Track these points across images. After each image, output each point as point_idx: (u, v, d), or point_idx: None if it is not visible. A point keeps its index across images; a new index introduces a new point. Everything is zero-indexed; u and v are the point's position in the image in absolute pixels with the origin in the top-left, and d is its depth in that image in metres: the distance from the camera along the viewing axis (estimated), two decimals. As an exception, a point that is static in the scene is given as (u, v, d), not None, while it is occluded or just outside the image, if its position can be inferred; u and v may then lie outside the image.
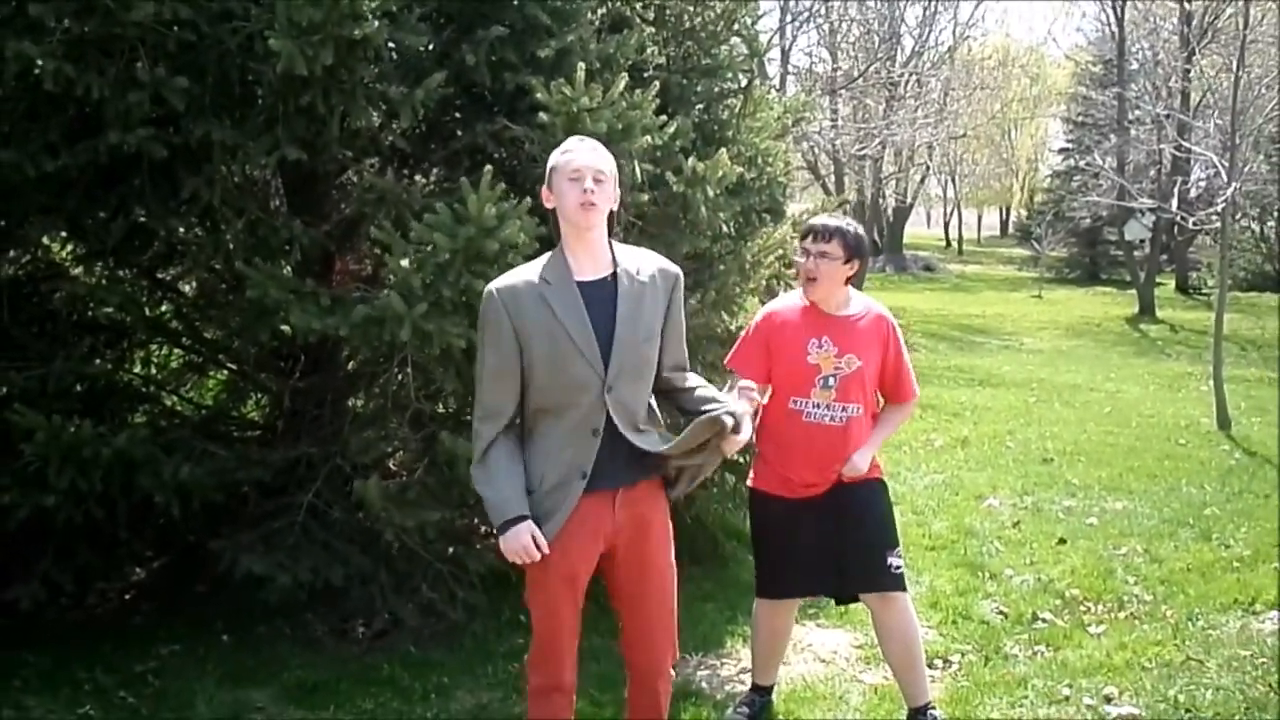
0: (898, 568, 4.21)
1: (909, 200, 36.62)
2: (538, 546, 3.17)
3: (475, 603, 5.08)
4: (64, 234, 5.24)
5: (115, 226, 4.86)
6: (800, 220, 6.27)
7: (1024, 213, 44.92)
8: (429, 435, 4.85)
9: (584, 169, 3.17)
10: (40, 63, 4.12)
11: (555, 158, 3.26)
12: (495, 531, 3.25)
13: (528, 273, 3.26)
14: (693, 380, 3.47)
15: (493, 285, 3.25)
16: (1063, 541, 6.90)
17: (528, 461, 3.26)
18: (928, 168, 35.30)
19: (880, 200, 30.91)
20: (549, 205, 3.28)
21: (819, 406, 4.10)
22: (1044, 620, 5.53)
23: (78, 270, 5.41)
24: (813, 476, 4.16)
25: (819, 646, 5.12)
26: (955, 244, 49.64)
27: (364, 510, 4.75)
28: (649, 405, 3.37)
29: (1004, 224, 57.60)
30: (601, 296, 3.22)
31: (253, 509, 5.09)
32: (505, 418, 3.24)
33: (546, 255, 3.29)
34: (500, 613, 5.30)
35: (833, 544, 4.17)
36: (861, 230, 4.19)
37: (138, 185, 4.64)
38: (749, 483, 4.37)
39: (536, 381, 3.20)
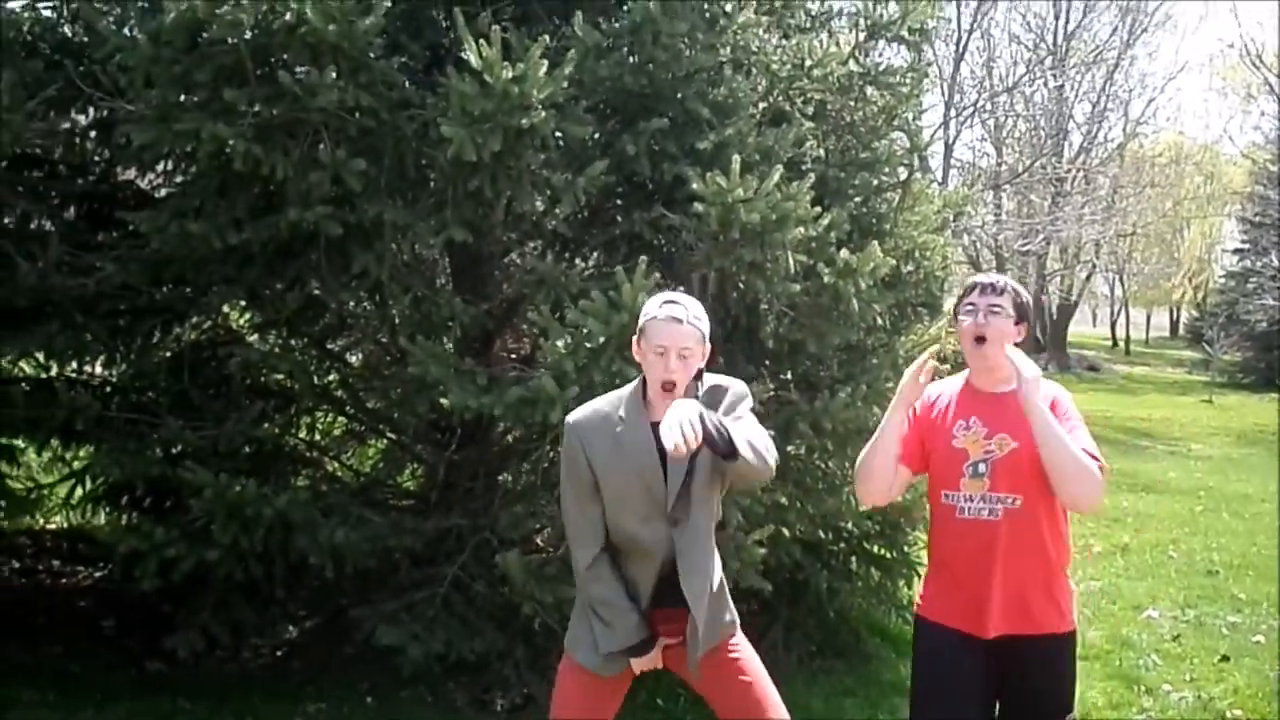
0: None
1: (1074, 298, 35.81)
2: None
3: (610, 683, 5.10)
4: (243, 303, 5.54)
5: (290, 298, 5.12)
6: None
7: (1195, 314, 43.40)
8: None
9: (669, 349, 3.20)
10: (231, 143, 4.40)
11: (645, 318, 3.27)
12: (621, 649, 3.34)
13: (604, 407, 3.33)
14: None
15: (570, 418, 3.35)
16: (1226, 659, 6.57)
17: None
18: (1094, 265, 34.48)
19: (1043, 297, 30.28)
20: (636, 358, 3.33)
21: (971, 500, 3.38)
22: (1202, 741, 5.28)
23: (253, 338, 5.71)
24: (967, 591, 3.42)
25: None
26: (1122, 344, 48.21)
27: (507, 584, 4.83)
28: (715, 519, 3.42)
29: (1174, 325, 55.73)
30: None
31: (402, 577, 5.23)
32: (597, 541, 3.32)
33: (629, 389, 3.35)
34: (636, 695, 5.30)
35: (990, 700, 3.47)
36: (1029, 300, 3.57)
37: (314, 260, 4.89)
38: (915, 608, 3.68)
39: (608, 510, 3.29)
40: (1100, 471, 3.29)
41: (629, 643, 3.32)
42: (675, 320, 3.20)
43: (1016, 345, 3.46)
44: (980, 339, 3.42)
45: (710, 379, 3.37)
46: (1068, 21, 24.83)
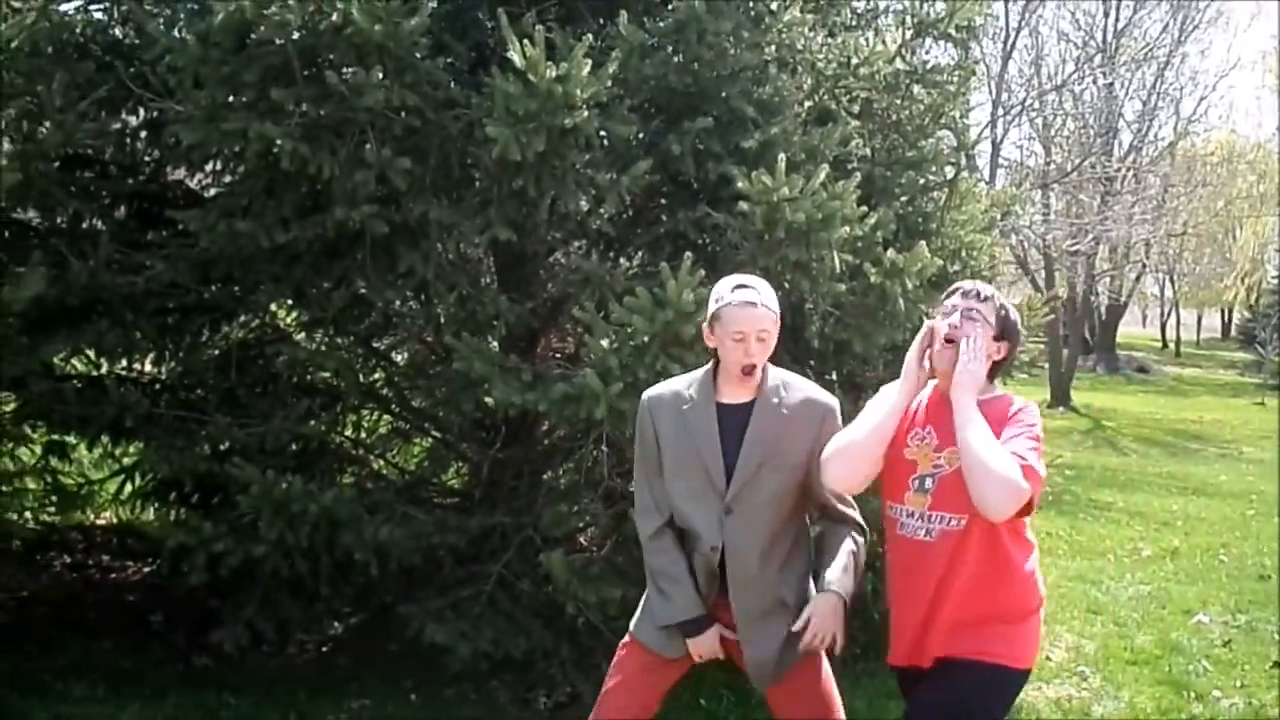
0: None
1: (1123, 299, 35.39)
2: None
3: (654, 682, 5.09)
4: (290, 301, 5.59)
5: (337, 296, 5.15)
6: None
7: (1247, 314, 42.76)
8: (619, 513, 4.93)
9: (747, 334, 3.21)
10: (279, 143, 4.44)
11: (717, 304, 3.27)
12: (676, 625, 3.32)
13: (678, 385, 3.39)
14: (829, 536, 3.42)
15: (646, 393, 3.41)
16: (1278, 665, 6.48)
17: None
18: (1144, 265, 34.00)
19: (1092, 298, 29.93)
20: (710, 344, 3.33)
21: (912, 516, 3.14)
22: (1253, 749, 5.20)
23: (300, 336, 5.76)
24: (903, 619, 3.21)
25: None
26: (1172, 345, 47.60)
27: (551, 582, 4.84)
28: (792, 535, 3.38)
29: (1225, 326, 54.95)
30: (738, 420, 3.28)
31: (446, 574, 5.25)
32: (660, 514, 3.35)
33: (702, 370, 3.38)
34: (679, 695, 5.29)
35: None
36: (1017, 319, 3.29)
37: (359, 259, 4.93)
38: None
39: (667, 486, 3.32)
40: (1027, 480, 2.91)
41: (684, 616, 3.30)
42: (750, 305, 3.22)
43: (996, 363, 3.20)
44: (950, 341, 3.14)
45: (800, 387, 3.38)
46: (1117, 19, 24.47)
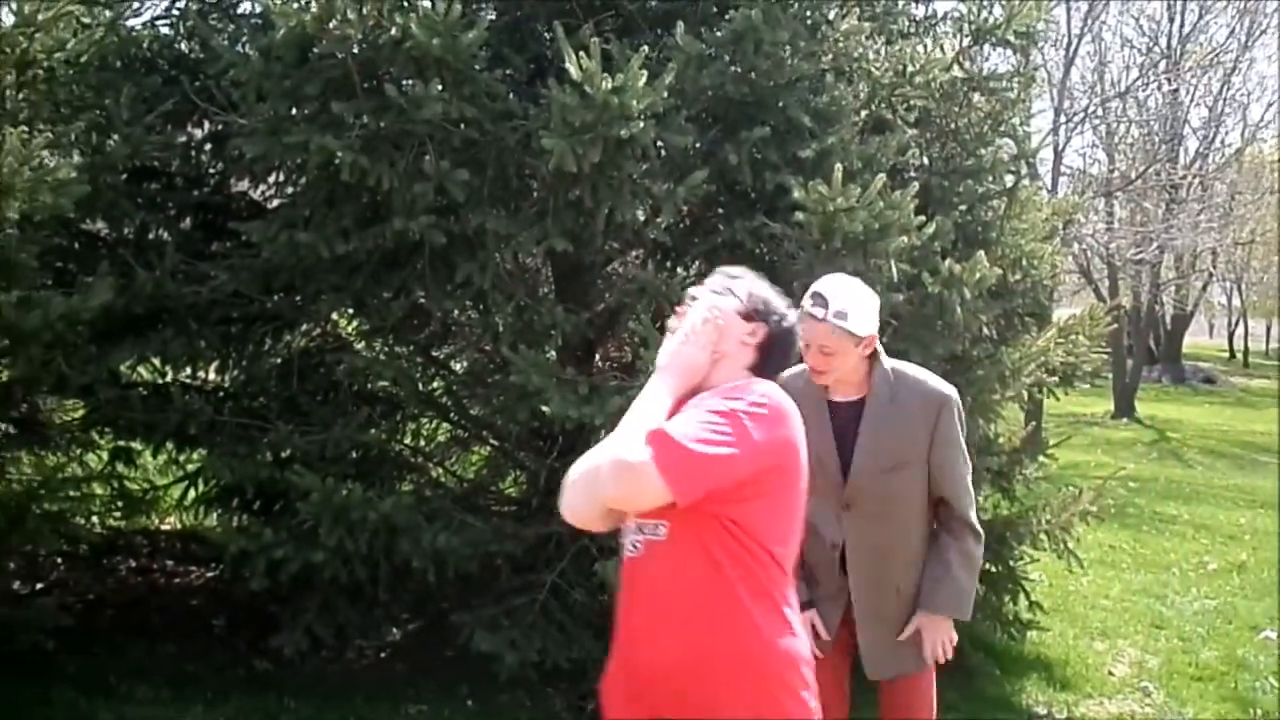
0: None
1: (1189, 308, 34.84)
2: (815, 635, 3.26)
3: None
4: (350, 311, 5.65)
5: (396, 306, 5.21)
6: (1067, 326, 6.09)
7: (1319, 325, 41.92)
8: (674, 522, 4.91)
9: (810, 343, 3.18)
10: (339, 155, 4.50)
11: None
12: None
13: (798, 377, 3.32)
14: (942, 543, 3.40)
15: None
16: (1347, 684, 6.35)
17: None
18: (1210, 274, 33.45)
19: (1157, 307, 29.48)
20: None
21: (629, 529, 2.54)
22: (1321, 768, 5.10)
23: (360, 345, 5.83)
24: (619, 656, 2.63)
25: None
26: (1240, 356, 46.74)
27: (605, 592, 4.85)
28: (919, 533, 3.37)
29: (1295, 336, 53.89)
30: (851, 417, 3.27)
31: (503, 582, 5.28)
32: None
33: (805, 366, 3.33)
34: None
35: None
36: (769, 296, 2.69)
37: (419, 269, 4.98)
38: None
39: None
40: (651, 445, 2.33)
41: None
42: (810, 317, 3.20)
43: (761, 351, 2.63)
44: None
45: (914, 379, 3.35)
46: (1182, 24, 24.09)
